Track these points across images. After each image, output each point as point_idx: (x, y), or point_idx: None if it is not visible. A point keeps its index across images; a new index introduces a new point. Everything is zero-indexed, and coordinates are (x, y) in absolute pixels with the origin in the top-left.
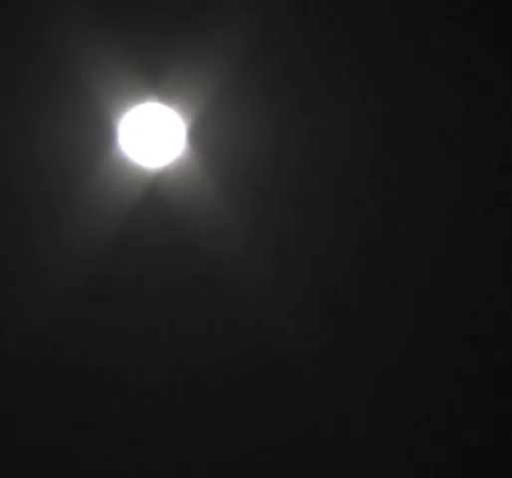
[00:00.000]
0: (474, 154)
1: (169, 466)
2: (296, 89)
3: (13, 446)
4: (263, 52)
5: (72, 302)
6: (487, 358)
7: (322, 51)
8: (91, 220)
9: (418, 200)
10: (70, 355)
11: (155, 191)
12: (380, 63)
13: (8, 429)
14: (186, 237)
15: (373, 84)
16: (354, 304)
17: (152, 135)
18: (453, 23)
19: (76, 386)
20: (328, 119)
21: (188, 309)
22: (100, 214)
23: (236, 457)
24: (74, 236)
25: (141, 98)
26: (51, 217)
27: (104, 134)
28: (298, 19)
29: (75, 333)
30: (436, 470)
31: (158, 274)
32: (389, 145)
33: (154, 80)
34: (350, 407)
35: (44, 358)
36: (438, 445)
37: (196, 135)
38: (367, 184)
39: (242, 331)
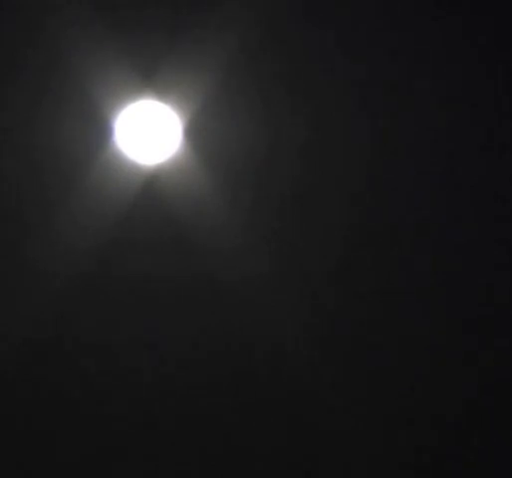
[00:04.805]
0: (473, 156)
1: (167, 462)
2: (292, 87)
3: (14, 446)
4: (259, 50)
5: (68, 298)
6: (486, 358)
7: (319, 50)
8: (87, 217)
9: (414, 200)
10: (67, 352)
11: (152, 188)
12: (376, 63)
13: (8, 429)
14: (182, 233)
15: (368, 84)
16: (350, 301)
17: (149, 133)
18: (453, 25)
19: (74, 385)
20: (323, 117)
21: (185, 305)
22: (96, 211)
23: (235, 453)
24: (70, 233)
25: (138, 95)
26: (48, 214)
27: (100, 132)
28: (296, 18)
29: (71, 329)
30: (435, 468)
31: (155, 270)
32: (385, 145)
33: (151, 77)
34: (347, 405)
35: (41, 356)
36: (436, 444)
37: (192, 133)
38: (361, 182)
39: (238, 326)
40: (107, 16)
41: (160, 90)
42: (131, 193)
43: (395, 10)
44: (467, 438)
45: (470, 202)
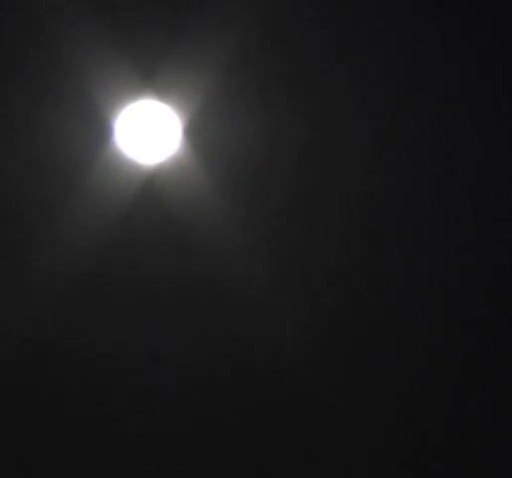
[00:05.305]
0: (473, 156)
1: (167, 462)
2: (292, 87)
3: (14, 446)
4: (259, 50)
5: (68, 298)
6: (486, 358)
7: (319, 50)
8: (87, 217)
9: (414, 200)
10: (67, 352)
11: (151, 188)
12: (376, 63)
13: (8, 429)
14: (182, 233)
15: (368, 84)
16: (350, 301)
17: (148, 132)
18: (453, 25)
19: (74, 385)
20: (323, 117)
21: (185, 305)
22: (96, 211)
23: (235, 453)
24: (70, 233)
25: (138, 95)
26: (47, 214)
27: (100, 131)
28: (296, 18)
29: (71, 329)
30: (435, 468)
31: (155, 270)
32: (385, 145)
33: (150, 77)
34: (347, 405)
35: (41, 356)
36: (436, 444)
37: (192, 132)
38: (362, 182)
39: (238, 326)
40: (107, 16)
41: (160, 90)
42: (131, 193)
43: (395, 10)
44: (467, 438)
45: (470, 202)
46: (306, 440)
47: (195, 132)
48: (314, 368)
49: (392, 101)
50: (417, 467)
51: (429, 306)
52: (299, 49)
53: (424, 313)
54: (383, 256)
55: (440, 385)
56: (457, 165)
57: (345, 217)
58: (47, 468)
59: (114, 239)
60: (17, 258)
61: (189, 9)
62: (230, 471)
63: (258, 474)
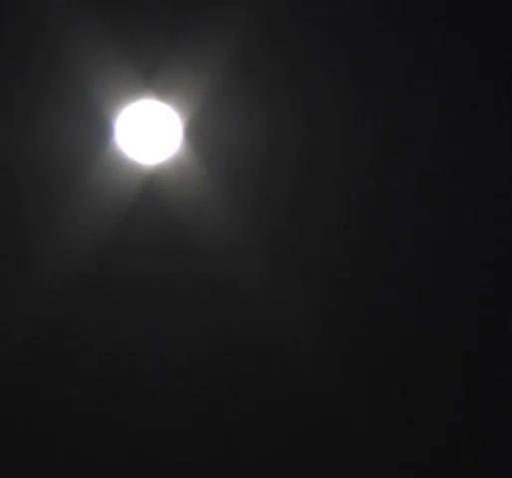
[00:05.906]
0: (473, 156)
1: (168, 462)
2: (292, 87)
3: (14, 446)
4: (260, 50)
5: (68, 298)
6: (486, 357)
7: (319, 50)
8: (87, 217)
9: (414, 200)
10: (67, 352)
11: (152, 188)
12: (376, 63)
13: (8, 429)
14: (182, 233)
15: (368, 85)
16: (350, 301)
17: (149, 132)
18: (453, 25)
19: (74, 385)
20: (323, 117)
21: (185, 305)
22: (96, 210)
23: (235, 453)
24: (70, 233)
25: (138, 94)
26: (47, 214)
27: (100, 131)
28: (296, 18)
29: (71, 329)
30: (435, 468)
31: (155, 270)
32: (385, 145)
33: (151, 77)
34: (347, 405)
35: (41, 356)
36: (436, 444)
37: (193, 132)
38: (362, 182)
39: (237, 326)
40: (107, 16)
41: (161, 89)
42: (131, 193)
43: (395, 10)
44: (467, 438)
45: (470, 202)
46: (306, 440)
47: (195, 132)
48: (314, 368)
49: (392, 101)
50: (417, 467)
51: (429, 306)
52: (299, 49)
53: (424, 313)
54: (382, 256)
55: (440, 385)
56: (457, 165)
57: (345, 217)
58: (47, 468)
59: (114, 239)
60: (17, 258)
61: (189, 9)
62: (230, 471)
63: (258, 474)
